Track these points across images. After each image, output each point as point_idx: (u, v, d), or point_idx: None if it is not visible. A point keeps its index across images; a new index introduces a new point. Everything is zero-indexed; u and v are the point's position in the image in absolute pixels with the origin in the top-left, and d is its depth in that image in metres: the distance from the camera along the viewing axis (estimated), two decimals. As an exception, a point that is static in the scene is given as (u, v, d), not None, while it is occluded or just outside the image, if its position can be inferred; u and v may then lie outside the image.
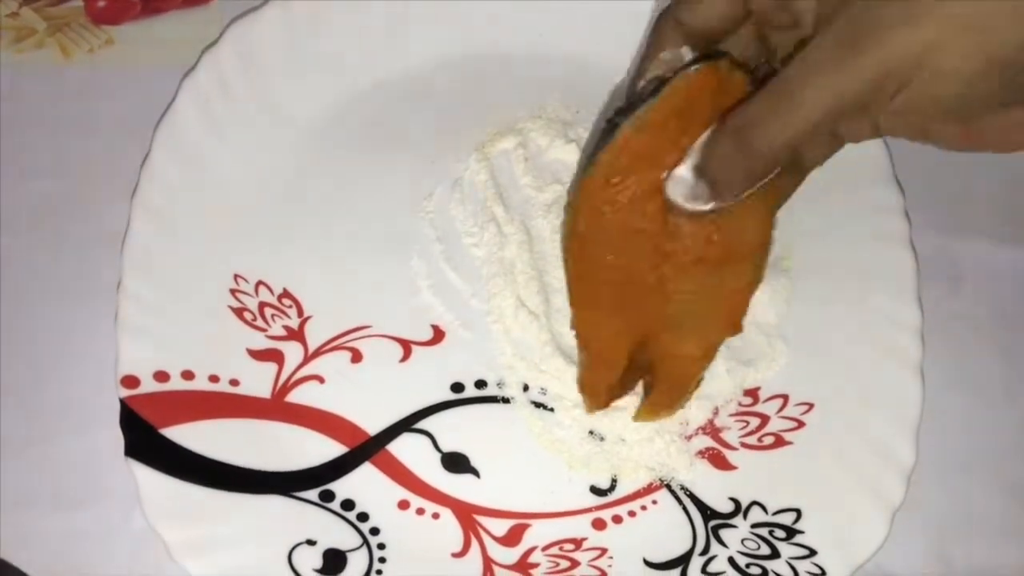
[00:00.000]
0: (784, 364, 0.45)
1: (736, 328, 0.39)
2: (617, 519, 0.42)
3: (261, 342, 0.44)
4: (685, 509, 0.42)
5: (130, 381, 0.41)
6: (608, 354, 0.41)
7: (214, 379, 0.42)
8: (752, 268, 0.38)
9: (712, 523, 0.42)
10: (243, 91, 0.47)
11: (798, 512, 0.42)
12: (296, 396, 0.43)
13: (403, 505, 0.42)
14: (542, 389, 0.44)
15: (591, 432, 0.43)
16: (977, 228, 0.49)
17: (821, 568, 0.40)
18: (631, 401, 0.43)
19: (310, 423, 0.43)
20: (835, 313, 0.46)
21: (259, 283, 0.45)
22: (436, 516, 0.41)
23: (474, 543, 0.41)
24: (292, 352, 0.44)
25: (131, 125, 0.47)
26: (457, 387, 0.44)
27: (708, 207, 0.34)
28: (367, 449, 0.42)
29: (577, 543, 0.41)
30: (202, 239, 0.45)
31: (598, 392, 0.42)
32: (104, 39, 0.51)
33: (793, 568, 0.40)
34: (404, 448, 0.43)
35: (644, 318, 0.40)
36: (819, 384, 0.44)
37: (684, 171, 0.34)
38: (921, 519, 0.43)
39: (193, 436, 0.41)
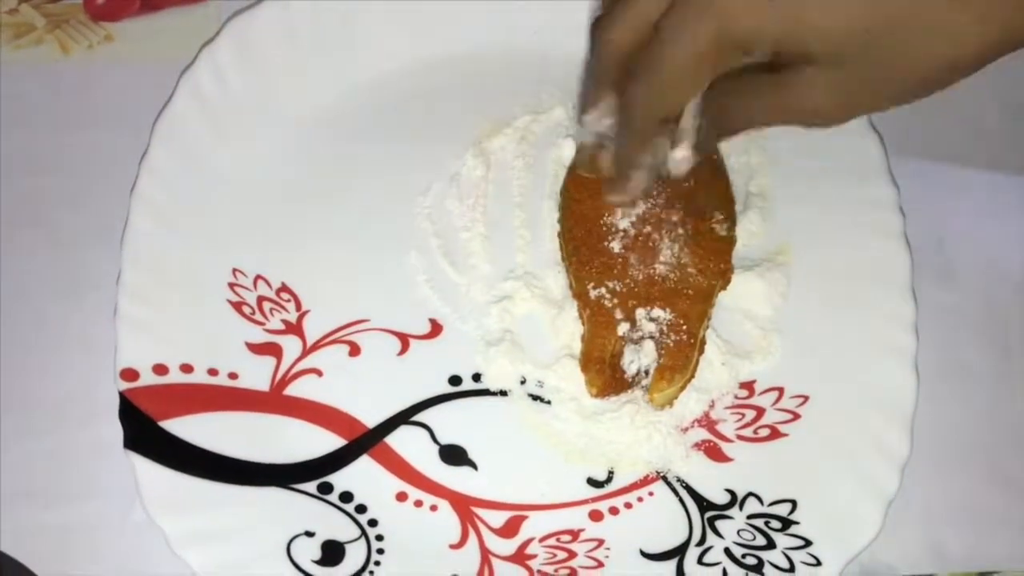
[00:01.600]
0: (779, 357, 0.45)
1: (726, 278, 0.44)
2: (614, 511, 0.42)
3: (260, 336, 0.44)
4: (681, 500, 0.42)
5: (129, 374, 0.41)
6: (607, 313, 0.43)
7: (213, 372, 0.43)
8: (725, 224, 0.45)
9: (708, 514, 0.42)
10: (241, 87, 0.47)
11: (793, 503, 0.42)
12: (295, 389, 0.43)
13: (401, 497, 0.42)
14: (539, 382, 0.44)
15: (587, 424, 0.43)
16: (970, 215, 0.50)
17: (816, 558, 0.40)
18: (632, 397, 0.43)
19: (309, 416, 0.43)
20: (830, 306, 0.46)
21: (257, 277, 0.45)
22: (434, 508, 0.42)
23: (472, 535, 0.41)
24: (290, 346, 0.44)
25: (130, 121, 0.47)
26: (455, 380, 0.44)
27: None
28: (365, 442, 0.43)
29: (574, 534, 0.41)
30: (201, 234, 0.45)
31: (602, 361, 0.42)
32: (103, 35, 0.51)
33: (789, 558, 0.40)
34: (402, 441, 0.43)
35: (638, 273, 0.44)
36: (814, 377, 0.44)
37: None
38: (916, 510, 0.43)
39: (192, 429, 0.41)
